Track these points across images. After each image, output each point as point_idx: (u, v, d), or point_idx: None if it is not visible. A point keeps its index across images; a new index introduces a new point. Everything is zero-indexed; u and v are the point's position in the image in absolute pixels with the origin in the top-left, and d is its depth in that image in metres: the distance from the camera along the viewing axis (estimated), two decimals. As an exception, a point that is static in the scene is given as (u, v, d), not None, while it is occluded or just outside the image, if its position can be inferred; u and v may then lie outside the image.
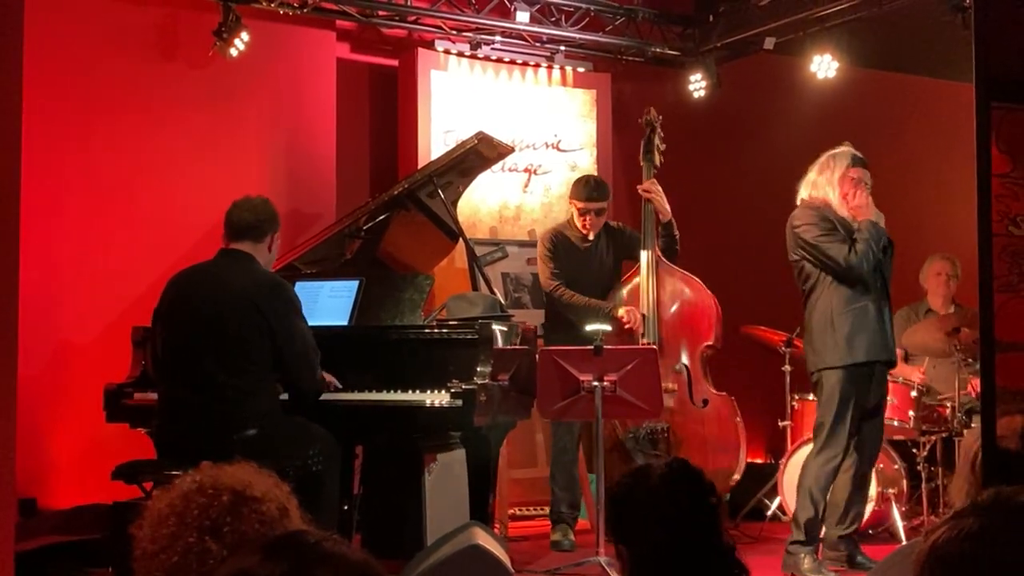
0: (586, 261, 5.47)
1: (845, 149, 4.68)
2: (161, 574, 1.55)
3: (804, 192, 4.72)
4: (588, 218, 5.40)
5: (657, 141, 5.63)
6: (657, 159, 5.62)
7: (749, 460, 5.80)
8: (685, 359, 5.36)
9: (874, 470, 5.35)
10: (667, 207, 5.47)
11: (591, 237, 5.45)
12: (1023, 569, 1.16)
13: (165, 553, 1.56)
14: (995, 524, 1.20)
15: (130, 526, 1.63)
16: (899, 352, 5.94)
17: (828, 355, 4.56)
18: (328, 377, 4.07)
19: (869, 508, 5.33)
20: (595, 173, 6.57)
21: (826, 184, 4.63)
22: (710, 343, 5.37)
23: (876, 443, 4.80)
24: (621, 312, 5.29)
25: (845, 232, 4.58)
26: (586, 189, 5.43)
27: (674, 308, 5.43)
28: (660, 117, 5.69)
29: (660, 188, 5.51)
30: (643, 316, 5.32)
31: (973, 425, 5.11)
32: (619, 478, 2.21)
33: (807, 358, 4.72)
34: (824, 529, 4.75)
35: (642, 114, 5.73)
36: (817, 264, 4.59)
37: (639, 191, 5.54)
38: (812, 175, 4.70)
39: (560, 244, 5.45)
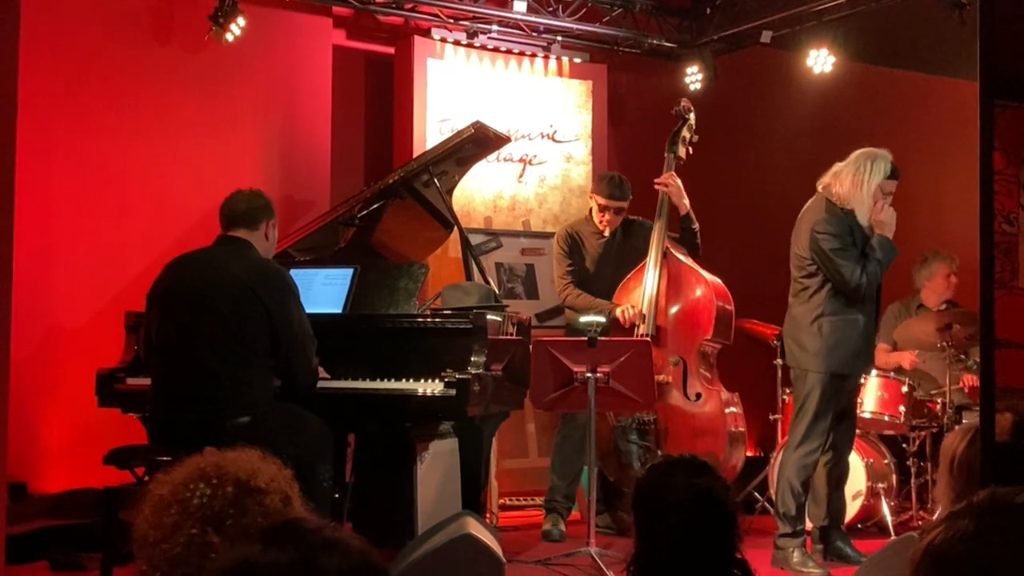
0: (600, 258, 5.47)
1: (884, 155, 4.53)
2: (163, 564, 1.55)
3: (829, 181, 4.58)
4: (608, 215, 5.40)
5: (686, 133, 5.53)
6: (682, 151, 5.52)
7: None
8: (681, 352, 5.35)
9: (864, 465, 5.39)
10: (685, 201, 5.42)
11: (607, 234, 5.46)
12: (1019, 570, 1.17)
13: (167, 543, 1.55)
14: (991, 525, 1.20)
15: (122, 511, 1.63)
16: (885, 346, 5.98)
17: (812, 358, 4.60)
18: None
19: (859, 503, 5.36)
20: (590, 164, 6.59)
21: (857, 189, 4.50)
22: (708, 338, 5.34)
23: (849, 442, 4.89)
24: (618, 312, 5.29)
25: (861, 240, 4.57)
26: (610, 186, 5.42)
27: (675, 300, 5.39)
28: (691, 108, 5.59)
29: (679, 181, 5.44)
30: (642, 314, 5.29)
31: (956, 427, 5.13)
32: (649, 469, 2.22)
33: (788, 349, 4.76)
34: (811, 523, 4.79)
35: (675, 104, 5.61)
36: (825, 272, 4.59)
37: (655, 184, 5.48)
38: (847, 173, 4.53)
39: (575, 242, 5.46)
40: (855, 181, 4.52)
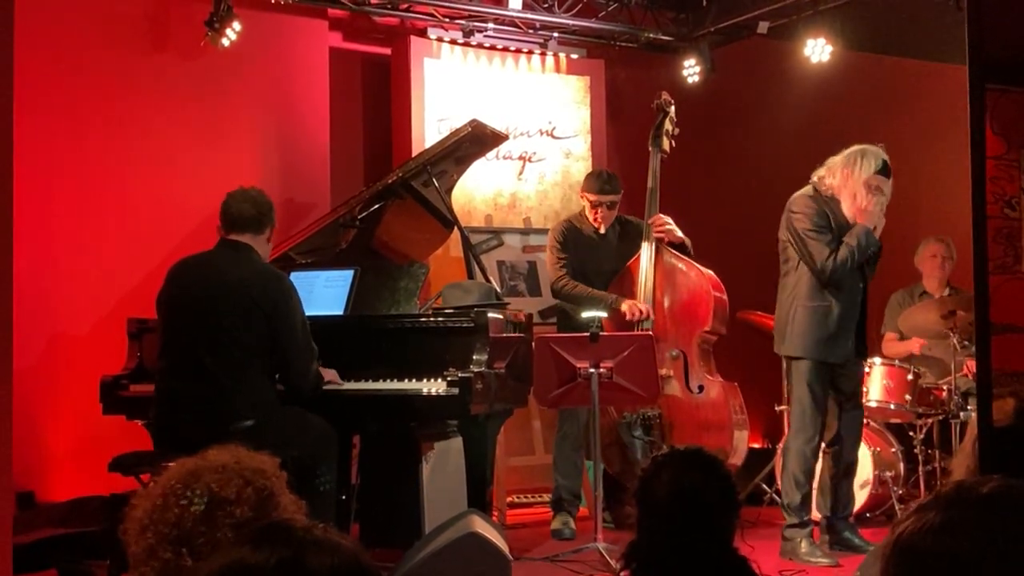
0: (596, 252, 5.46)
1: (877, 152, 4.61)
2: None
3: (822, 173, 4.68)
4: (600, 211, 5.39)
5: (668, 126, 5.55)
6: (666, 144, 5.56)
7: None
8: (681, 345, 5.35)
9: (871, 453, 5.38)
10: (679, 233, 5.41)
11: (603, 230, 5.45)
12: (983, 563, 1.17)
13: (145, 566, 1.55)
14: (957, 518, 1.20)
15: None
16: (893, 335, 5.98)
17: (789, 343, 4.69)
18: (329, 374, 4.06)
19: (867, 491, 5.36)
20: (589, 159, 6.59)
21: (845, 181, 4.60)
22: (707, 329, 5.34)
23: (856, 431, 4.89)
24: (624, 307, 5.28)
25: (840, 231, 4.60)
26: (598, 182, 5.42)
27: (671, 294, 5.41)
28: (672, 102, 5.62)
29: (668, 219, 5.42)
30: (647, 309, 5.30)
31: (970, 407, 5.13)
32: (651, 460, 2.24)
33: (775, 337, 4.80)
34: (818, 514, 4.79)
35: (655, 99, 5.64)
36: (797, 253, 4.65)
37: (656, 232, 5.40)
38: (837, 164, 4.64)
39: (570, 235, 5.45)
40: (844, 173, 4.60)
